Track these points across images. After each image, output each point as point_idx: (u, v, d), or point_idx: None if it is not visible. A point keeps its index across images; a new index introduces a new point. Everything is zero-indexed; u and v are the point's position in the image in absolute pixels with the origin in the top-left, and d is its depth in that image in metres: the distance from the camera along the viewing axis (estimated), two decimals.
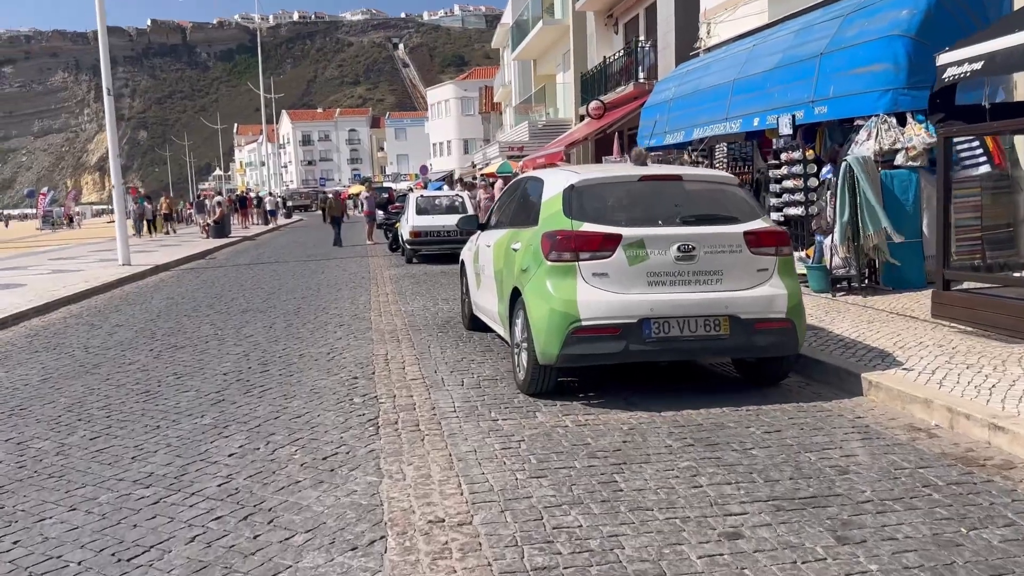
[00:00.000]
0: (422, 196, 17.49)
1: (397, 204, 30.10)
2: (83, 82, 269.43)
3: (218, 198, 42.53)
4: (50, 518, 3.56)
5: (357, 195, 74.47)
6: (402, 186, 73.03)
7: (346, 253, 20.57)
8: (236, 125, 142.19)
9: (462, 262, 8.31)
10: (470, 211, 16.87)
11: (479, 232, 7.39)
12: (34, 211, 73.35)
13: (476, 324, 7.73)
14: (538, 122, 29.40)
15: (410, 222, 16.26)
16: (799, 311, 5.13)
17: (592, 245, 4.90)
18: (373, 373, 6.21)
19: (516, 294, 5.48)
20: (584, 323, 4.82)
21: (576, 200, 5.19)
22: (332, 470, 4.05)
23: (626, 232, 4.91)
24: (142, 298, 12.33)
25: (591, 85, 24.22)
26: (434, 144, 72.87)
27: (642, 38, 21.04)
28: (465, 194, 17.85)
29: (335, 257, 19.22)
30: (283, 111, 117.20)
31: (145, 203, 33.24)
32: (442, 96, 72.00)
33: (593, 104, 21.53)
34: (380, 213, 30.36)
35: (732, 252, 5.00)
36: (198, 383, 6.14)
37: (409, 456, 4.21)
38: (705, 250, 4.94)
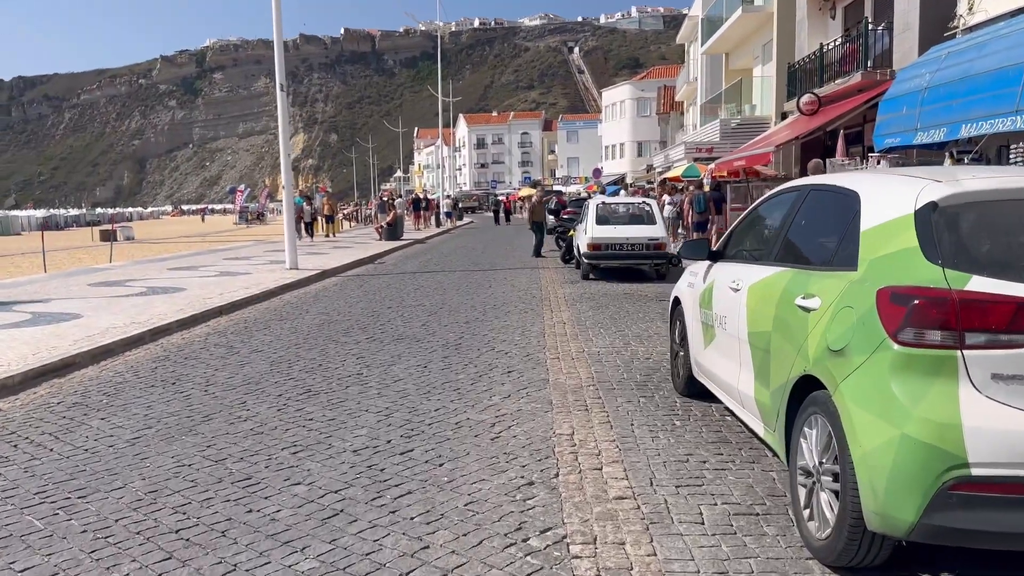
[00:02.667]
0: (603, 204, 15.40)
1: (570, 210, 28.33)
2: (286, 84, 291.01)
3: (397, 199, 42.88)
4: None
5: (527, 198, 74.13)
6: (572, 189, 71.61)
7: (514, 263, 18.92)
8: (416, 129, 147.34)
9: (674, 300, 6.14)
10: (658, 222, 14.61)
11: (709, 263, 5.21)
12: (233, 206, 79.03)
13: (694, 388, 5.55)
14: (731, 121, 26.43)
15: (589, 233, 14.22)
16: None
17: (995, 320, 2.61)
18: (556, 476, 4.19)
19: (809, 385, 3.27)
20: (976, 473, 2.54)
21: (949, 230, 2.89)
22: None
23: None
24: (297, 312, 11.15)
25: (799, 78, 21.10)
26: (607, 147, 70.77)
27: (871, 20, 17.75)
28: (653, 202, 15.55)
29: (503, 267, 17.58)
30: (460, 115, 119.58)
31: (303, 204, 30.96)
32: (617, 97, 69.71)
33: (806, 98, 18.49)
34: (551, 219, 28.70)
35: None
36: (316, 468, 4.41)
37: None
38: None
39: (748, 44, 28.13)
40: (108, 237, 35.02)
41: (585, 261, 14.33)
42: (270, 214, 64.00)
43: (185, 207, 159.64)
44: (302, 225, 29.82)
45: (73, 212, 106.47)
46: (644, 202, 15.61)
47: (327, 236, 31.52)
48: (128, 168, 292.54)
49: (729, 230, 5.26)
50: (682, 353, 5.72)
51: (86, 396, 6.31)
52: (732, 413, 4.94)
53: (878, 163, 14.12)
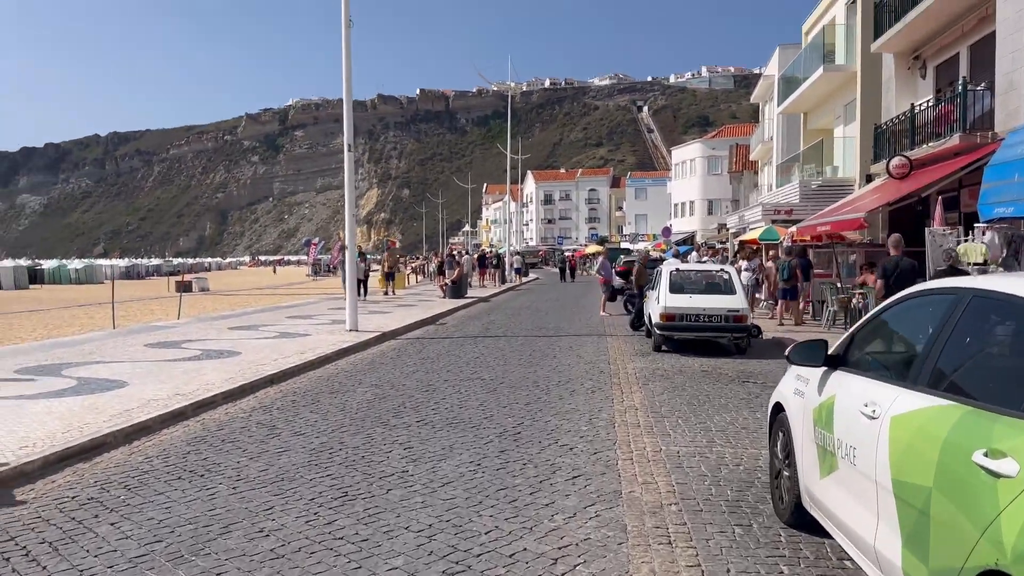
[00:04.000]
0: (677, 270, 14.46)
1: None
2: (359, 144, 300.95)
3: (464, 255, 42.60)
4: None
5: (593, 255, 73.30)
6: (640, 247, 70.56)
7: (580, 327, 18.04)
8: (485, 185, 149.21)
9: (776, 407, 5.17)
10: (738, 292, 13.56)
11: (824, 369, 4.27)
12: (306, 258, 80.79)
13: (802, 517, 4.55)
14: (811, 182, 25.22)
15: (662, 302, 13.27)
16: None
17: None
18: None
19: None
20: None
21: None
22: None
23: None
24: (349, 383, 10.50)
25: (887, 140, 19.92)
26: (676, 204, 69.74)
27: (968, 80, 16.57)
28: (732, 269, 14.52)
29: (568, 332, 16.72)
30: (528, 172, 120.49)
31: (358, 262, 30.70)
32: (687, 155, 68.90)
33: (896, 161, 17.29)
34: (619, 280, 27.77)
35: None
36: None
37: None
38: None
39: (829, 104, 27.06)
40: (183, 288, 35.70)
41: (657, 332, 13.34)
42: (340, 268, 64.90)
43: (262, 258, 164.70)
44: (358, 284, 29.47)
45: (155, 261, 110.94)
46: (722, 269, 14.59)
47: (386, 293, 30.96)
48: (211, 219, 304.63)
49: (850, 332, 4.31)
50: (787, 474, 4.73)
51: (104, 490, 5.69)
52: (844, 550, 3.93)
53: (984, 234, 12.87)
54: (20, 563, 4.29)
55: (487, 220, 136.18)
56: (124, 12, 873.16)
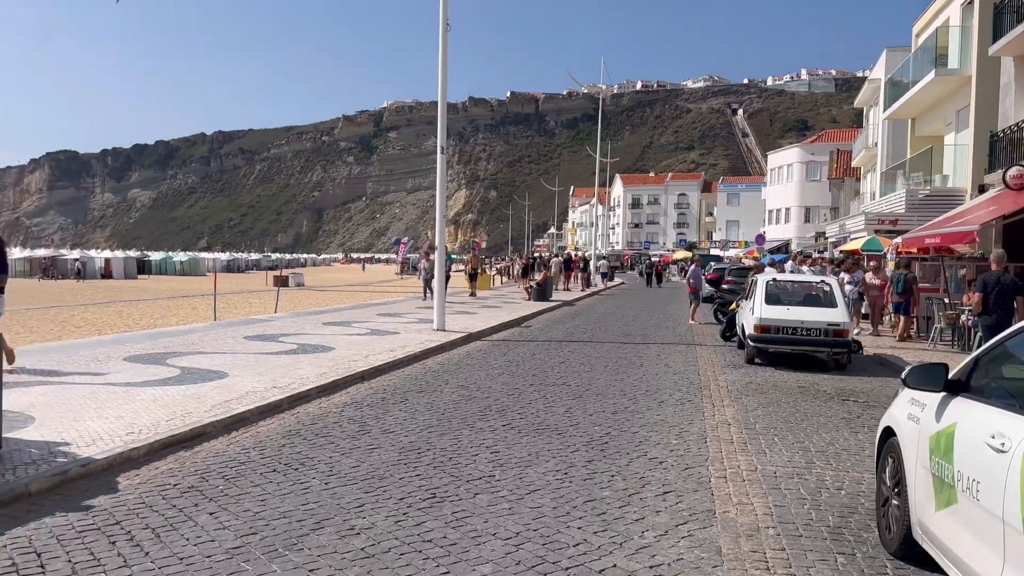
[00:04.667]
0: (774, 280, 13.97)
1: (730, 279, 26.67)
2: (449, 146, 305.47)
3: (554, 258, 42.53)
4: None
5: (682, 261, 71.94)
6: (730, 254, 68.74)
7: (667, 335, 17.69)
8: (572, 188, 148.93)
9: (886, 431, 4.88)
10: (839, 305, 12.99)
11: (943, 395, 4.00)
12: (396, 257, 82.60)
13: (911, 550, 4.28)
14: (918, 192, 24.00)
15: (757, 313, 12.85)
16: None
17: None
18: None
19: None
20: None
21: None
22: None
23: None
24: (436, 382, 10.60)
25: (1004, 148, 18.76)
26: (770, 211, 67.75)
27: None
28: (833, 281, 13.93)
29: (655, 340, 16.42)
30: (616, 175, 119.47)
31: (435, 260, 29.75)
32: (784, 160, 66.83)
33: (1015, 171, 16.25)
34: (708, 288, 27.11)
35: None
36: None
37: None
38: None
39: (939, 109, 25.67)
40: (280, 283, 37.04)
41: (751, 344, 12.93)
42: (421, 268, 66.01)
43: (354, 255, 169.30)
44: (427, 286, 27.94)
45: (254, 256, 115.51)
46: (823, 280, 14.01)
47: (472, 294, 30.93)
48: (307, 217, 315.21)
49: (975, 356, 4.03)
50: (896, 503, 4.46)
51: (204, 479, 5.90)
52: None
53: None
54: (125, 547, 4.48)
55: (572, 223, 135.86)
56: (230, 15, 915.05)
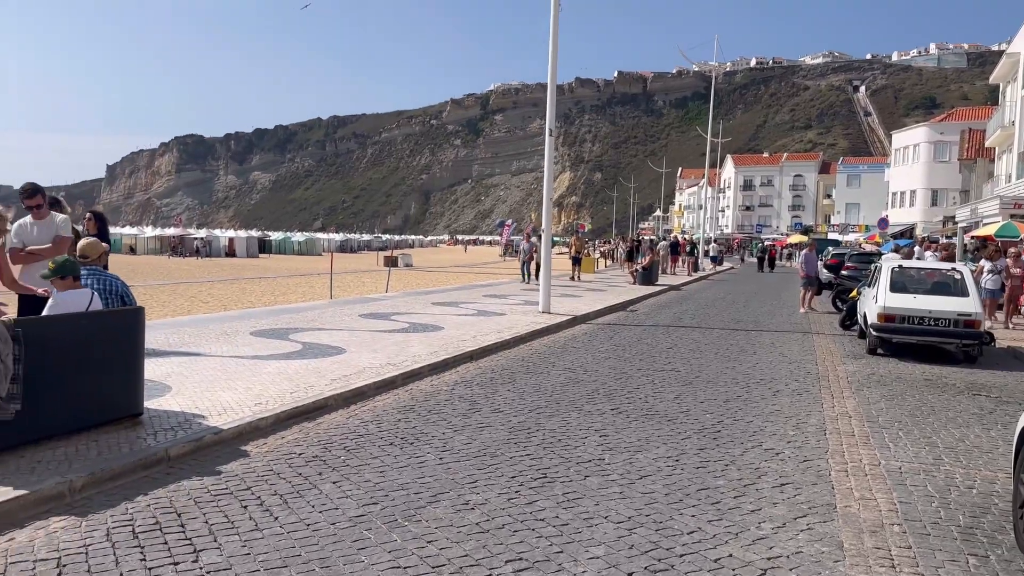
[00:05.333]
0: (900, 267, 13.24)
1: (850, 265, 25.52)
2: (556, 127, 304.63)
3: (662, 242, 41.82)
4: None
5: (796, 246, 69.21)
6: (849, 238, 65.51)
7: (782, 323, 17.11)
8: (680, 169, 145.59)
9: None
10: (971, 294, 12.19)
11: None
12: (499, 239, 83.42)
13: None
14: None
15: (880, 301, 12.23)
16: None
17: None
18: None
19: None
20: None
21: None
22: None
23: None
24: (543, 364, 10.68)
25: None
26: (893, 193, 64.10)
27: None
28: (965, 269, 13.06)
29: (768, 328, 15.92)
30: (728, 156, 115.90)
31: (535, 242, 28.39)
32: (910, 140, 62.96)
33: None
34: (827, 274, 26.02)
35: None
36: None
37: None
38: None
39: None
40: (390, 263, 38.14)
41: (873, 333, 12.33)
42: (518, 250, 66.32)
43: (459, 237, 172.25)
44: (527, 268, 28.11)
45: (366, 237, 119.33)
46: (954, 268, 13.18)
47: (572, 278, 30.15)
48: (415, 200, 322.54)
49: None
50: None
51: (327, 449, 6.19)
52: None
53: None
54: (256, 512, 4.76)
55: (680, 205, 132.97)
56: (345, 3, 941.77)
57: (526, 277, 28.02)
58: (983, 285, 16.26)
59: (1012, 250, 18.06)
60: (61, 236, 7.15)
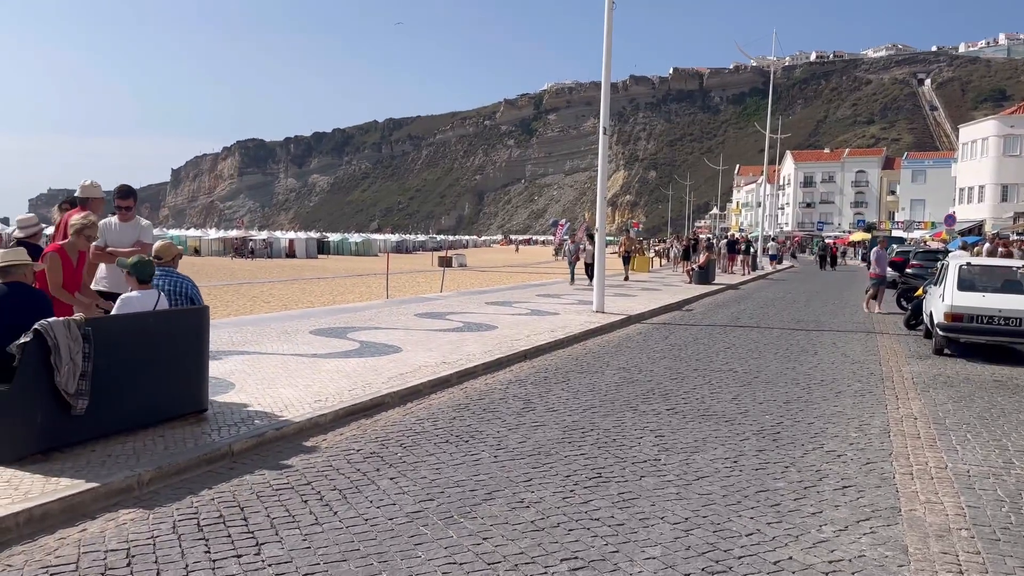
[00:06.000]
0: (968, 265, 12.78)
1: (916, 263, 24.77)
2: (609, 126, 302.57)
3: (723, 240, 41.20)
4: None
5: (859, 243, 67.32)
6: (915, 236, 63.46)
7: (844, 322, 16.69)
8: (738, 166, 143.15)
9: None
10: None
11: None
12: (553, 238, 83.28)
13: None
14: None
15: (948, 299, 11.83)
16: None
17: None
18: None
19: None
20: None
21: None
22: None
23: None
24: (597, 363, 10.63)
25: None
26: (961, 189, 61.88)
27: None
28: None
29: (830, 328, 15.54)
30: (787, 152, 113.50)
31: (585, 244, 27.45)
32: (978, 134, 60.67)
33: None
34: (892, 273, 25.27)
35: None
36: None
37: None
38: None
39: None
40: (444, 263, 38.49)
41: (940, 333, 11.93)
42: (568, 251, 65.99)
43: (513, 237, 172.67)
44: (572, 269, 26.78)
45: (421, 238, 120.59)
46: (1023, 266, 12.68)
47: (626, 279, 29.13)
48: (469, 200, 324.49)
49: None
50: None
51: (384, 445, 6.28)
52: None
53: None
54: (316, 506, 4.86)
55: (737, 203, 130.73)
56: (394, 8, 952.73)
57: (573, 278, 26.96)
58: None
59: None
60: (143, 243, 7.21)
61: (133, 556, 4.07)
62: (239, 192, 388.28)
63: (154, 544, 4.22)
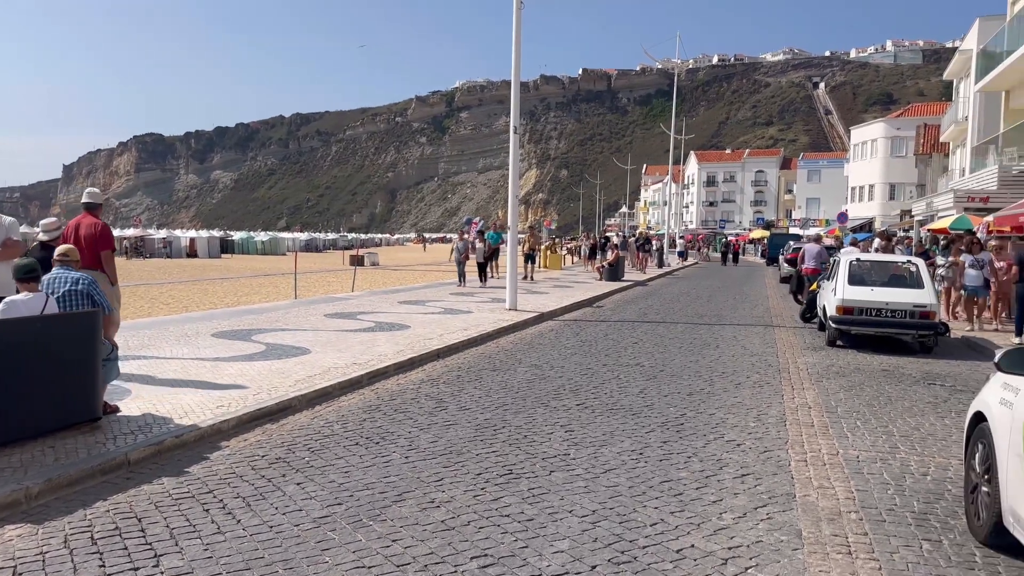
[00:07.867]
0: (858, 260, 13.52)
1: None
2: (521, 125, 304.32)
3: (631, 238, 42.09)
4: None
5: (759, 240, 70.15)
6: (810, 232, 66.62)
7: (744, 316, 17.36)
8: (645, 166, 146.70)
9: (976, 416, 4.72)
10: (926, 286, 12.51)
11: None
12: (467, 237, 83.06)
13: (1002, 539, 4.15)
14: (1011, 168, 22.80)
15: (839, 294, 12.48)
16: None
17: None
18: None
19: None
20: None
21: None
22: None
23: None
24: (510, 361, 10.71)
25: None
26: (852, 188, 65.35)
27: None
28: (920, 261, 13.37)
29: (731, 322, 16.14)
30: (691, 152, 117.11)
31: (475, 243, 26.86)
32: (868, 135, 64.17)
33: None
34: (786, 267, 26.43)
35: None
36: None
37: None
38: None
39: None
40: (355, 262, 37.87)
41: (832, 326, 12.58)
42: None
43: (426, 235, 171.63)
44: (461, 269, 24.56)
45: (331, 236, 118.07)
46: (910, 261, 13.48)
47: (524, 277, 26.42)
48: (381, 198, 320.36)
49: None
50: (986, 490, 4.32)
51: (291, 450, 6.15)
52: None
53: None
54: (218, 515, 4.71)
55: (645, 202, 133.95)
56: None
57: (462, 279, 24.43)
58: (964, 282, 15.57)
59: (993, 243, 16.32)
60: (12, 239, 7.03)
61: (20, 574, 3.85)
62: (136, 189, 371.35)
63: (43, 561, 4.01)
